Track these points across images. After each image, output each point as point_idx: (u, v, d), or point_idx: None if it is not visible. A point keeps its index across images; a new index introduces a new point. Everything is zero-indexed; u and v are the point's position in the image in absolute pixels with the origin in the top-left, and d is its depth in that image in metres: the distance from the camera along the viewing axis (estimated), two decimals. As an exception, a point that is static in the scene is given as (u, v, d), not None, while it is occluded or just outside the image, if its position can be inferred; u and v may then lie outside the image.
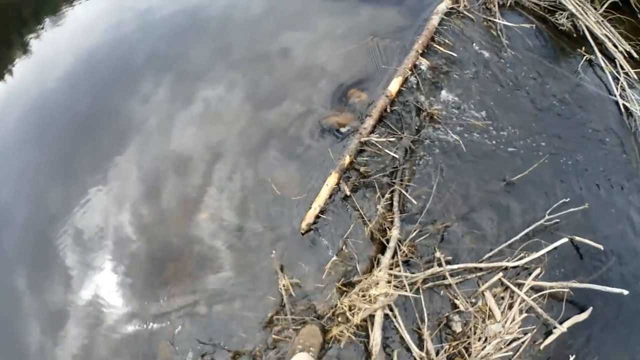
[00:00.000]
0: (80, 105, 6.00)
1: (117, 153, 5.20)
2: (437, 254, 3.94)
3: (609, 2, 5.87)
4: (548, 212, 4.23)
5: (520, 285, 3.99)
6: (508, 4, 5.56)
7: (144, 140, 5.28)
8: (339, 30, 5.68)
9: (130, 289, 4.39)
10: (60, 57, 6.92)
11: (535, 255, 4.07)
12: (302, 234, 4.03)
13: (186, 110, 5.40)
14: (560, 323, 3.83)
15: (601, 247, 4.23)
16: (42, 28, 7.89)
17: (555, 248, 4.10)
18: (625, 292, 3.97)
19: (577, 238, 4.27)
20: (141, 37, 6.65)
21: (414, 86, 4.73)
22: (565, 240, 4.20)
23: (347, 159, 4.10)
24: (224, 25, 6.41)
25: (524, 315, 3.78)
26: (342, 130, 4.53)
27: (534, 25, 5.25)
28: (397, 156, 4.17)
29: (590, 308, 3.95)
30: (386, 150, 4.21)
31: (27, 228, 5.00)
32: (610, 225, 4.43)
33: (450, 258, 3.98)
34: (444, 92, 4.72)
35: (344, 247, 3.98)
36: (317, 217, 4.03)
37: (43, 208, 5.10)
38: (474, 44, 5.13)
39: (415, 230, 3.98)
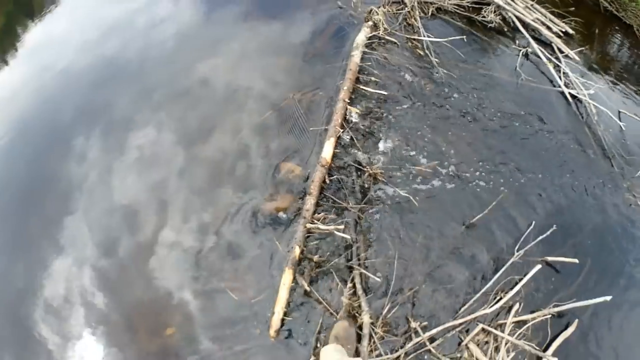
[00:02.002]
0: (18, 176, 6.15)
1: (65, 216, 5.39)
2: (413, 324, 4.05)
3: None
4: (516, 248, 4.42)
5: (502, 326, 4.17)
6: (430, 13, 5.50)
7: (88, 198, 5.49)
8: (254, 91, 5.73)
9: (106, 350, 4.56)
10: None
11: (511, 293, 4.26)
12: (273, 340, 4.03)
13: (122, 159, 5.63)
14: (549, 345, 4.09)
15: (576, 260, 4.48)
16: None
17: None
18: (608, 298, 4.25)
19: (550, 258, 4.54)
20: (65, 94, 6.84)
21: (349, 144, 4.71)
22: (538, 267, 4.39)
23: (297, 250, 4.14)
24: (142, 67, 6.64)
25: (512, 354, 4.01)
26: (284, 215, 4.48)
27: (464, 37, 5.16)
28: (347, 236, 4.19)
29: (576, 321, 4.23)
30: (336, 232, 4.18)
31: None
32: (583, 232, 4.73)
33: (426, 323, 4.09)
34: (382, 143, 4.79)
35: (318, 344, 4.01)
36: (283, 319, 4.06)
37: (8, 285, 5.28)
38: (403, 73, 5.18)
39: (385, 307, 4.08)
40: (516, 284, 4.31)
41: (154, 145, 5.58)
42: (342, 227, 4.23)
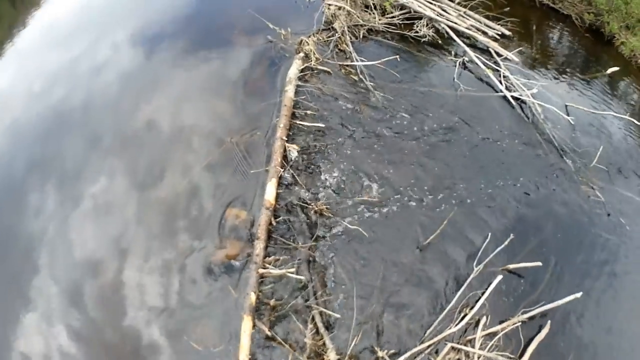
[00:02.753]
0: None
1: (30, 272, 5.44)
2: (380, 353, 4.15)
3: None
4: (475, 262, 4.58)
5: (472, 341, 4.31)
6: (361, 36, 5.63)
7: (49, 251, 5.54)
8: (197, 130, 5.86)
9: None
10: None
11: (475, 308, 4.40)
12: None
13: (77, 210, 5.71)
14: (523, 351, 4.24)
15: (539, 263, 4.67)
16: None
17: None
18: (579, 294, 4.43)
19: (511, 266, 4.70)
20: (14, 148, 6.87)
21: (291, 182, 4.81)
22: (500, 277, 4.56)
23: (253, 297, 4.24)
24: (88, 114, 6.70)
25: (486, 366, 4.09)
26: (236, 263, 4.56)
27: (397, 57, 5.28)
28: (301, 277, 4.27)
29: (548, 323, 4.39)
30: (288, 274, 4.30)
31: None
32: (543, 233, 4.92)
33: (393, 351, 4.19)
34: (324, 176, 4.89)
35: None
36: None
37: None
38: (339, 101, 5.32)
39: (350, 341, 4.16)
40: (479, 298, 4.44)
41: (107, 193, 5.72)
42: (293, 269, 4.32)
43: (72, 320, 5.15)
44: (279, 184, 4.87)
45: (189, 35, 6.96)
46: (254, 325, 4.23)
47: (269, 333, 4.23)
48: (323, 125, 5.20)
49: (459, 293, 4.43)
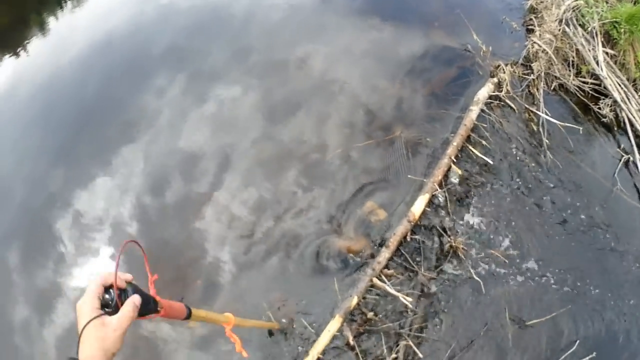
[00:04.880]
0: (91, 91, 6.05)
1: (123, 143, 5.28)
2: None
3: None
4: None
5: None
6: (552, 88, 4.73)
7: (154, 132, 5.29)
8: (350, 92, 5.23)
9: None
10: (76, 40, 6.98)
11: None
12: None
13: (199, 108, 5.36)
14: None
15: None
16: (62, 9, 8.01)
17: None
18: None
19: None
20: (161, 28, 6.63)
21: (441, 205, 4.06)
22: None
23: (354, 301, 3.58)
24: (245, 26, 6.29)
25: None
26: (353, 259, 3.82)
27: (580, 129, 4.41)
28: (409, 303, 3.54)
29: None
30: (399, 296, 3.64)
31: (26, 207, 5.13)
32: None
33: None
34: (470, 214, 4.17)
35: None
36: None
37: (41, 186, 5.21)
38: (512, 145, 4.56)
39: None
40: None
41: (235, 106, 5.27)
42: (410, 299, 3.59)
43: (144, 202, 4.80)
44: (429, 202, 4.08)
45: (385, 4, 6.17)
46: (341, 328, 3.63)
47: (351, 342, 3.63)
48: (492, 162, 4.39)
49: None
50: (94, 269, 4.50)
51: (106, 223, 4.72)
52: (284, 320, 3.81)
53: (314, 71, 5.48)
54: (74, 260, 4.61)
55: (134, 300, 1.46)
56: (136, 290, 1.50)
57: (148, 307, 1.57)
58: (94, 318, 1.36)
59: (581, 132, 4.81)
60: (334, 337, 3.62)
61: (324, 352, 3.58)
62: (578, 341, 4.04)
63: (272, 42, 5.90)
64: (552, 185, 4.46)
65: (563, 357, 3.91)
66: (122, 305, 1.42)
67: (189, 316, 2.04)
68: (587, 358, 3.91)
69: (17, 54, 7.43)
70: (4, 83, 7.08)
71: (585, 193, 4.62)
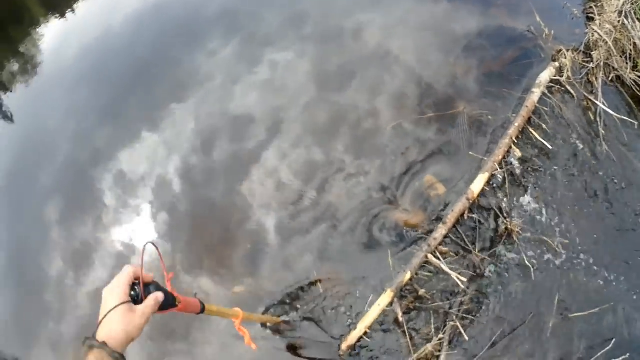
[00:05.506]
0: (142, 50, 5.95)
1: (175, 101, 5.14)
2: None
3: None
4: None
5: None
6: (610, 79, 4.43)
7: (205, 93, 5.17)
8: (407, 67, 4.98)
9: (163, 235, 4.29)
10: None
11: None
12: (340, 356, 3.38)
13: (251, 71, 5.21)
14: None
15: None
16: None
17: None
18: None
19: None
20: None
21: (499, 185, 3.73)
22: None
23: (407, 276, 3.35)
24: None
25: None
26: (409, 234, 3.54)
27: (635, 124, 4.18)
28: (461, 283, 3.29)
29: None
30: (454, 276, 3.41)
31: (72, 162, 5.09)
32: None
33: None
34: (527, 197, 3.87)
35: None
36: (360, 338, 3.37)
37: (87, 143, 5.14)
38: (572, 132, 4.29)
39: None
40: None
41: (288, 71, 5.08)
42: (464, 279, 3.33)
43: (190, 161, 4.63)
44: (488, 182, 3.79)
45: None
46: (391, 303, 3.40)
47: (400, 318, 3.41)
48: (550, 148, 4.11)
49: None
50: (137, 227, 4.42)
51: (151, 181, 4.63)
52: (287, 317, 3.58)
53: (369, 41, 5.22)
54: (117, 217, 4.54)
55: (157, 295, 1.59)
56: (158, 287, 1.64)
57: (168, 302, 1.70)
58: (125, 303, 1.45)
59: (637, 127, 4.55)
60: (383, 313, 3.39)
61: (371, 327, 3.37)
62: (614, 340, 3.86)
63: (328, 10, 5.66)
64: (606, 179, 4.19)
65: (598, 354, 3.72)
66: (146, 298, 1.54)
67: (202, 310, 2.16)
68: (621, 358, 3.72)
69: (63, 15, 7.36)
70: (57, 41, 7.01)
71: (636, 191, 4.38)
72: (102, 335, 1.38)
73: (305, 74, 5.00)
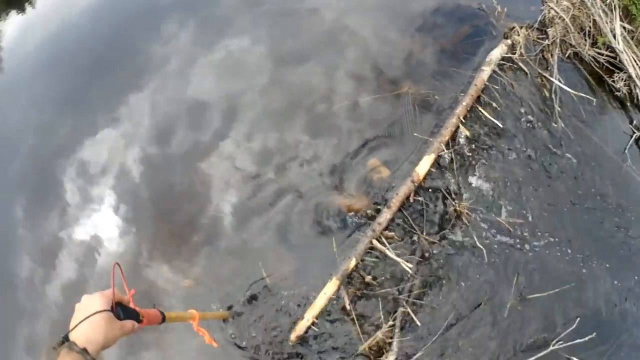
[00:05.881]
0: (99, 39, 5.90)
1: (132, 90, 5.10)
2: None
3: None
4: (553, 342, 3.49)
5: None
6: (567, 55, 4.34)
7: (161, 81, 5.12)
8: (361, 45, 4.91)
9: (124, 226, 4.27)
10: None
11: None
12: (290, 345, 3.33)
13: (207, 56, 5.18)
14: None
15: None
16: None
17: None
18: None
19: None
20: None
21: (446, 166, 3.64)
22: None
23: (353, 263, 3.27)
24: None
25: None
26: (352, 219, 3.44)
27: (594, 100, 4.08)
28: (408, 269, 3.18)
29: None
30: (399, 261, 3.29)
31: (33, 155, 5.05)
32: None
33: None
34: (476, 178, 3.76)
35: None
36: (309, 327, 3.31)
37: (50, 137, 5.10)
38: (523, 109, 4.19)
39: (415, 355, 3.24)
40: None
41: (244, 53, 5.05)
42: (410, 265, 3.24)
43: (148, 150, 4.60)
44: (434, 163, 3.70)
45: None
46: (337, 291, 3.33)
47: (347, 306, 3.35)
48: (501, 126, 4.01)
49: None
50: (98, 219, 4.37)
51: (111, 171, 4.58)
52: (234, 310, 3.52)
53: (324, 21, 5.16)
54: (79, 209, 4.49)
55: (134, 323, 1.65)
56: (125, 308, 1.68)
57: (134, 319, 1.70)
58: (110, 310, 1.49)
59: (594, 103, 4.45)
60: (331, 301, 3.32)
61: (317, 317, 3.29)
62: (578, 319, 3.76)
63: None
64: (561, 155, 4.11)
65: (563, 334, 3.59)
66: (122, 317, 1.59)
67: (163, 320, 2.14)
68: (587, 337, 3.59)
69: (21, 7, 7.28)
70: (14, 33, 6.97)
71: (594, 166, 4.27)
72: (80, 339, 1.36)
73: (260, 57, 4.92)
